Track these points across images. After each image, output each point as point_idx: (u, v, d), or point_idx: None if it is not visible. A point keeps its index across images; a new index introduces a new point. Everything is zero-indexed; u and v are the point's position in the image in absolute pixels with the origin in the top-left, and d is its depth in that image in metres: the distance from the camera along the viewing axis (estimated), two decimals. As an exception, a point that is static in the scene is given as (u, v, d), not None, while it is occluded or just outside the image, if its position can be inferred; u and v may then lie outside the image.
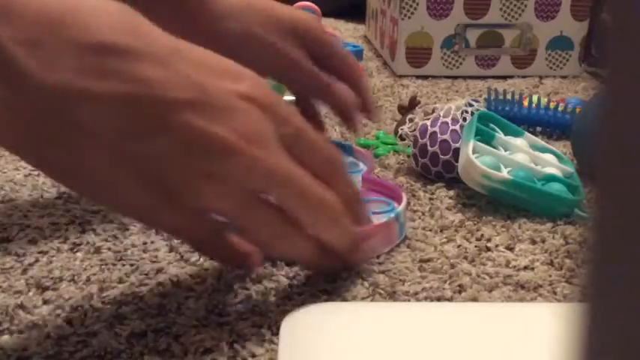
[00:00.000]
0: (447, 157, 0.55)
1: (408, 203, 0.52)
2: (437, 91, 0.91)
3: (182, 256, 0.44)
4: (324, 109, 0.59)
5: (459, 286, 0.41)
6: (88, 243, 0.45)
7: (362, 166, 0.60)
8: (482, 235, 0.48)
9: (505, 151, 0.56)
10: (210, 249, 0.39)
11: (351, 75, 0.52)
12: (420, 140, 0.57)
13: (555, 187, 0.51)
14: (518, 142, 0.57)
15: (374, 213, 0.48)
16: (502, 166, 0.52)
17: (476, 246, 0.46)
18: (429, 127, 0.57)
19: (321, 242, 0.36)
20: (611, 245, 0.12)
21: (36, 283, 0.40)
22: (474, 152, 0.51)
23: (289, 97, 0.73)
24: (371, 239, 0.44)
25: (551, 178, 0.53)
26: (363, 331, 0.33)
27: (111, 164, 0.30)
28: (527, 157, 0.55)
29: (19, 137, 0.30)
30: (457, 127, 0.56)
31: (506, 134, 0.58)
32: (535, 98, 0.74)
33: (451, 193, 0.55)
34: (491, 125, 0.57)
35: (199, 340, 0.35)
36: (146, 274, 0.41)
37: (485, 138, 0.55)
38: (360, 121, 0.53)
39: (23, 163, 0.60)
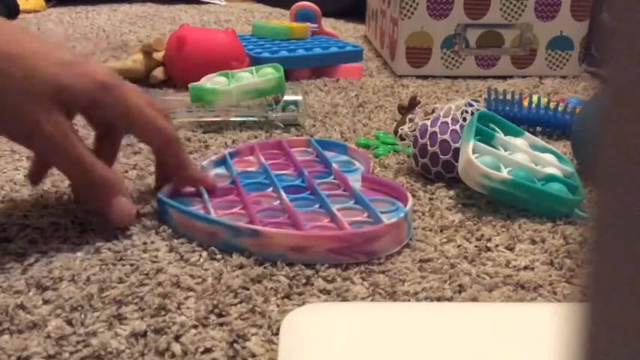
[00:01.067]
0: (447, 157, 0.55)
1: (408, 203, 0.52)
2: (437, 91, 0.91)
3: (182, 256, 0.44)
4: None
5: (459, 286, 0.41)
6: (88, 243, 0.45)
7: (358, 164, 0.60)
8: (482, 235, 0.48)
9: (505, 151, 0.56)
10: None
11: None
12: (420, 140, 0.57)
13: (555, 187, 0.51)
14: (518, 142, 0.57)
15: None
16: (502, 166, 0.52)
17: (476, 246, 0.46)
18: (429, 127, 0.57)
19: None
20: (611, 245, 0.12)
21: (36, 283, 0.40)
22: (473, 152, 0.51)
23: (292, 97, 0.73)
24: (382, 238, 0.44)
25: (551, 178, 0.53)
26: (363, 331, 0.33)
27: None
28: (527, 157, 0.55)
29: None
30: (457, 127, 0.56)
31: (506, 134, 0.58)
32: (535, 98, 0.74)
33: (451, 193, 0.55)
34: (491, 125, 0.57)
35: (199, 340, 0.35)
36: (146, 274, 0.41)
37: (485, 138, 0.55)
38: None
39: (23, 163, 0.60)
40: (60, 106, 0.42)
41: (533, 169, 0.53)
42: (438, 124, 0.56)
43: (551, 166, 0.55)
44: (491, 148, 0.54)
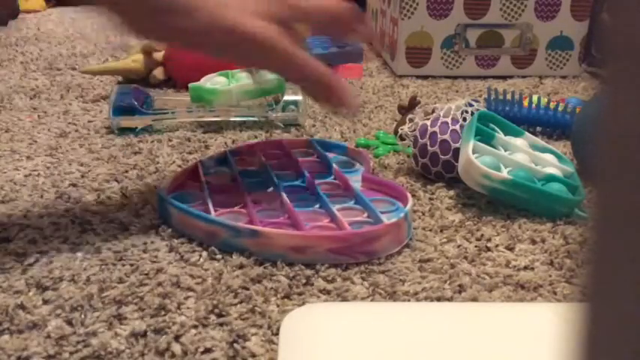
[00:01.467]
0: (447, 157, 0.55)
1: (408, 203, 0.52)
2: (437, 91, 0.91)
3: (182, 256, 0.44)
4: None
5: (459, 286, 0.41)
6: (88, 243, 0.45)
7: (358, 165, 0.60)
8: (482, 235, 0.48)
9: (505, 151, 0.56)
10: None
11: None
12: (420, 140, 0.57)
13: (555, 187, 0.51)
14: (518, 142, 0.57)
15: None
16: (502, 166, 0.52)
17: (476, 246, 0.46)
18: (429, 127, 0.57)
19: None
20: (611, 245, 0.12)
21: (36, 283, 0.40)
22: (473, 152, 0.51)
23: (292, 97, 0.73)
24: (382, 238, 0.44)
25: (551, 178, 0.53)
26: (363, 331, 0.33)
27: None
28: (527, 157, 0.55)
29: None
30: (457, 127, 0.56)
31: (506, 134, 0.58)
32: (535, 98, 0.74)
33: (451, 193, 0.55)
34: (491, 125, 0.57)
35: (199, 340, 0.35)
36: (146, 274, 0.41)
37: (485, 138, 0.55)
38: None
39: (23, 163, 0.60)
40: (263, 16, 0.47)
41: (533, 169, 0.53)
42: (438, 124, 0.56)
43: (551, 166, 0.55)
44: (491, 148, 0.54)
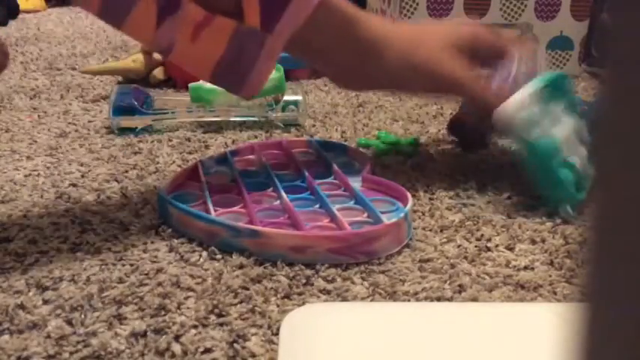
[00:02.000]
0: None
1: (408, 203, 0.52)
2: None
3: (182, 256, 0.44)
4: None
5: (459, 286, 0.41)
6: (88, 243, 0.45)
7: (358, 165, 0.60)
8: (482, 235, 0.48)
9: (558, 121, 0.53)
10: None
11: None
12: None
13: (564, 172, 0.50)
14: (568, 120, 0.53)
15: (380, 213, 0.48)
16: (538, 130, 0.50)
17: (476, 246, 0.46)
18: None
19: None
20: (611, 245, 0.12)
21: (36, 283, 0.40)
22: (528, 100, 0.50)
23: (292, 97, 0.74)
24: (382, 238, 0.44)
25: (567, 165, 0.51)
26: (363, 331, 0.33)
27: None
28: (566, 135, 0.51)
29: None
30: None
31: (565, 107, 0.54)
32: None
33: (451, 193, 0.55)
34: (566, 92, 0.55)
35: (199, 340, 0.35)
36: (146, 274, 0.41)
37: (557, 91, 0.53)
38: None
39: (23, 163, 0.60)
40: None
41: (561, 150, 0.50)
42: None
43: (579, 157, 0.51)
44: (544, 107, 0.51)
